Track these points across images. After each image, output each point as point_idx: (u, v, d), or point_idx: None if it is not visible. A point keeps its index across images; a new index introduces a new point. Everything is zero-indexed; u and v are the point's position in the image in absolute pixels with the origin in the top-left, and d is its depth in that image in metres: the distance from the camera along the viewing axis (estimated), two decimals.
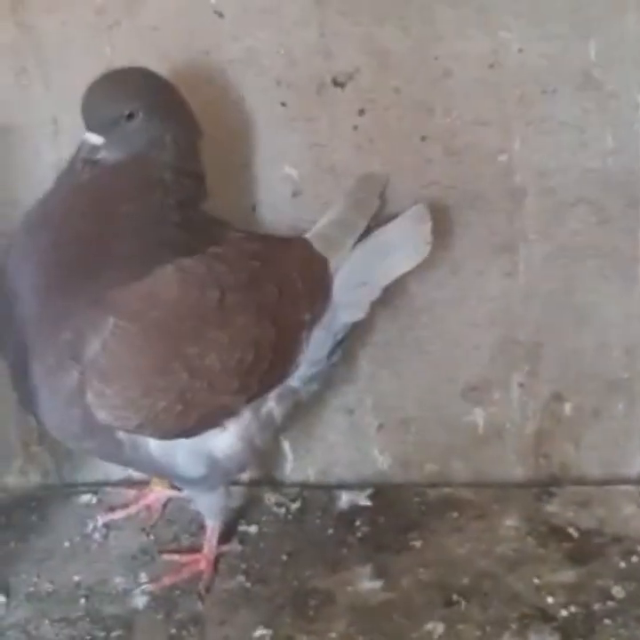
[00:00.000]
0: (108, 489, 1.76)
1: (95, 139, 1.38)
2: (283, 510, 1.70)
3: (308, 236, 1.53)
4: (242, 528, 1.67)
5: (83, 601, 1.55)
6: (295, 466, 1.77)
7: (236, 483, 1.73)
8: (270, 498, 1.72)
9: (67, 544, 1.65)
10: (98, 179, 1.38)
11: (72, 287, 1.35)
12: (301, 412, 1.70)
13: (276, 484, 1.76)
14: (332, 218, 1.54)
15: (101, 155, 1.38)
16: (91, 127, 1.38)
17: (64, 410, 1.37)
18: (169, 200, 1.39)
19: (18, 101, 1.57)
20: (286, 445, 1.76)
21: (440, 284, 1.68)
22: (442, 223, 1.61)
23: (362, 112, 1.58)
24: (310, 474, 1.77)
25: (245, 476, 1.75)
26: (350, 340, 1.59)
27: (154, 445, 1.43)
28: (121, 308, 1.35)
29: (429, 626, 1.47)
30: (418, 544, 1.62)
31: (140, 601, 1.54)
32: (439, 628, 1.47)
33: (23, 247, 1.39)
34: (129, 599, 1.54)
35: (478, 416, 1.74)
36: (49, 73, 1.56)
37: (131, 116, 1.37)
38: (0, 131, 1.57)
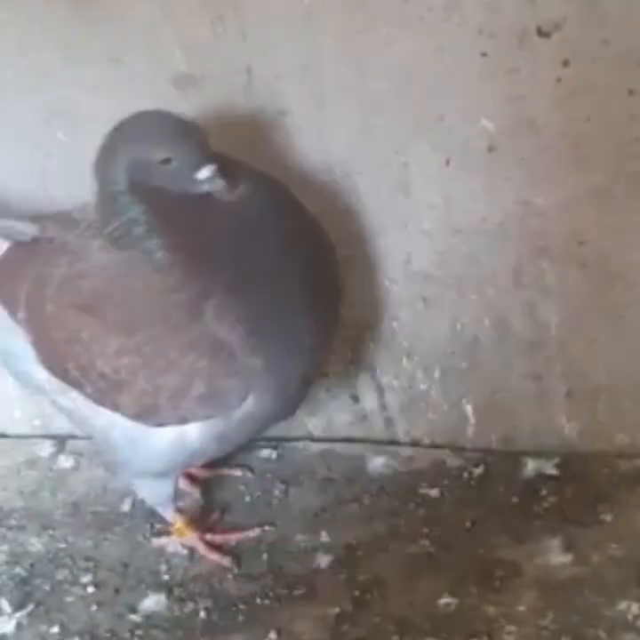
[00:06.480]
0: (287, 445, 1.75)
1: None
2: (465, 475, 1.66)
3: None
4: (422, 491, 1.63)
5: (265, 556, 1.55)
6: (478, 431, 1.72)
7: (416, 444, 1.72)
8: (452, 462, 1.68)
9: (247, 499, 1.65)
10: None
11: None
12: (486, 376, 1.68)
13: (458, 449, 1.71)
14: None
15: None
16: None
17: None
18: None
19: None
20: (469, 409, 1.71)
21: (638, 248, 1.59)
22: None
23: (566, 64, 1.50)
24: (493, 440, 1.72)
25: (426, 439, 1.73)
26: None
27: None
28: None
29: (623, 605, 1.41)
30: (608, 518, 1.55)
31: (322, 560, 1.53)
32: (634, 607, 1.41)
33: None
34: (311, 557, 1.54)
35: None
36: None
37: None
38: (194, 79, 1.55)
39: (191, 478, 1.67)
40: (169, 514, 1.56)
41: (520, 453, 1.67)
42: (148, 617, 1.46)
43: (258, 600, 1.47)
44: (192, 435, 1.39)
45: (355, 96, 1.53)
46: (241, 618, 1.45)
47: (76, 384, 1.41)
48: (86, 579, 1.52)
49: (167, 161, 1.34)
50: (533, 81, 1.48)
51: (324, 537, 1.57)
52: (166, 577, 1.52)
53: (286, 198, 1.41)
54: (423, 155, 1.55)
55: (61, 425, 1.75)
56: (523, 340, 1.64)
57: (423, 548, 1.54)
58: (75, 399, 1.44)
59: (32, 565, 1.55)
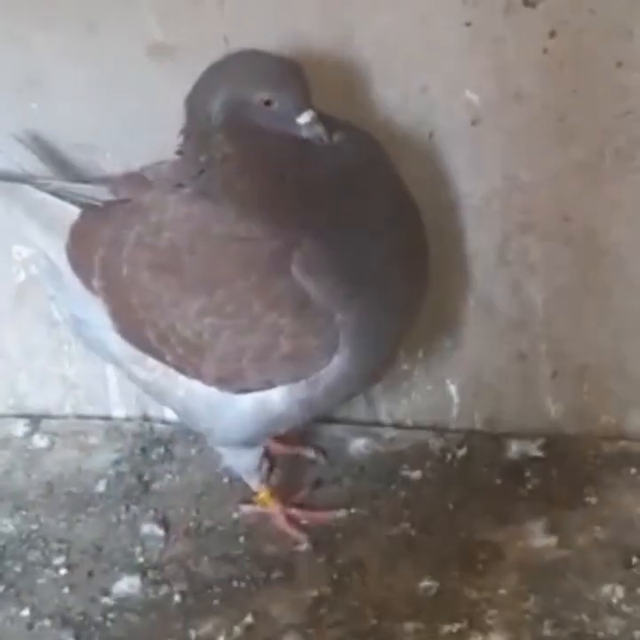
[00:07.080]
0: None
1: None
2: (448, 456, 1.63)
3: None
4: (404, 473, 1.60)
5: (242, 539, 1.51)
6: (461, 411, 1.68)
7: (398, 425, 1.69)
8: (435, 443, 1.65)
9: (225, 480, 1.61)
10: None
11: None
12: (470, 356, 1.65)
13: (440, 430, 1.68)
14: None
15: None
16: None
17: None
18: None
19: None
20: (453, 390, 1.68)
21: (627, 225, 1.56)
22: (635, 159, 1.49)
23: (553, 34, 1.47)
24: (477, 420, 1.69)
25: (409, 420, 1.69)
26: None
27: None
28: None
29: (607, 588, 1.39)
30: (593, 500, 1.53)
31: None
32: (618, 590, 1.38)
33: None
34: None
35: None
36: None
37: None
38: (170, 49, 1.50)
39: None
40: (255, 483, 1.51)
41: (504, 435, 1.64)
42: (122, 600, 1.43)
43: (234, 583, 1.44)
44: (275, 399, 1.35)
45: (336, 67, 1.49)
46: (216, 601, 1.42)
47: (155, 352, 1.36)
48: (59, 561, 1.49)
49: (269, 102, 1.31)
50: (519, 52, 1.44)
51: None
52: (141, 559, 1.49)
53: (380, 153, 1.38)
54: (406, 127, 1.51)
55: (36, 404, 1.72)
56: (507, 319, 1.61)
57: (404, 531, 1.51)
58: (153, 369, 1.39)
59: (4, 546, 1.52)
